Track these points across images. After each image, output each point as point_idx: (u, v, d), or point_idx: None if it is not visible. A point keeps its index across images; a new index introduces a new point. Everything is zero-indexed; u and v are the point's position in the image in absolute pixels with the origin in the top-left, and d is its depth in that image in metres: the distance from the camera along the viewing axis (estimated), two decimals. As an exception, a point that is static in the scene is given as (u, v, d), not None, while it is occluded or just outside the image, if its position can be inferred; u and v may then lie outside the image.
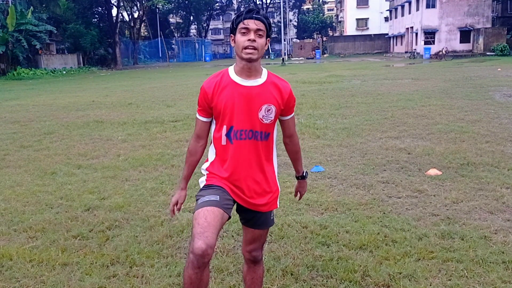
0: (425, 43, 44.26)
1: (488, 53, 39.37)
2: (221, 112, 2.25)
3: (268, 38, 2.25)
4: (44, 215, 4.39)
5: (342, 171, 5.63)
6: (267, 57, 56.55)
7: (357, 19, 69.90)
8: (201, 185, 2.36)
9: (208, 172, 2.36)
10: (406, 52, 48.38)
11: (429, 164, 5.77)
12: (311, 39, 70.93)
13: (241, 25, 2.18)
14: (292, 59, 55.33)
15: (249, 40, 2.16)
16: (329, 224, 3.94)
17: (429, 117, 9.11)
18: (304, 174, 2.61)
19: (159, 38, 57.01)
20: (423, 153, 6.29)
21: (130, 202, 4.69)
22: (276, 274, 3.13)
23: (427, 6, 44.59)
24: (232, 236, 3.79)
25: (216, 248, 3.45)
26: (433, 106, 10.53)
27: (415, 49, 45.53)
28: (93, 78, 30.01)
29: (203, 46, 62.89)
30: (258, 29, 2.18)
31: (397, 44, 56.56)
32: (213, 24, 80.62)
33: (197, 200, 2.28)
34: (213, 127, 2.36)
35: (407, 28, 50.23)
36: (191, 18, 69.62)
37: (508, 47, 38.29)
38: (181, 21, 71.82)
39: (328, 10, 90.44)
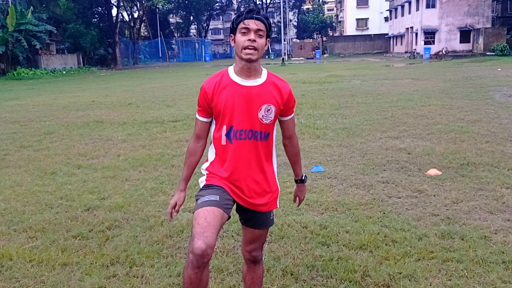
0: (425, 43, 44.26)
1: (488, 53, 39.37)
2: (221, 112, 2.25)
3: (268, 39, 2.25)
4: (44, 215, 4.39)
5: (342, 171, 5.63)
6: (267, 57, 56.54)
7: (357, 19, 69.89)
8: (201, 185, 2.36)
9: (208, 172, 2.36)
10: (406, 52, 48.38)
11: (429, 164, 5.77)
12: (311, 39, 70.93)
13: (241, 25, 2.18)
14: (292, 59, 55.32)
15: (249, 40, 2.16)
16: (329, 224, 3.94)
17: (429, 117, 9.11)
18: (303, 178, 2.59)
19: (159, 38, 57.01)
20: (423, 153, 6.29)
21: (130, 202, 4.69)
22: (276, 274, 3.13)
23: (427, 6, 44.59)
24: (232, 236, 3.79)
25: (216, 248, 3.45)
26: (433, 106, 10.53)
27: (415, 49, 45.53)
28: (93, 78, 30.01)
29: (203, 46, 62.89)
30: (259, 29, 2.18)
31: (397, 44, 56.57)
32: (213, 24, 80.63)
33: (197, 200, 2.28)
34: (213, 127, 2.36)
35: (407, 28, 50.23)
36: (191, 18, 69.62)
37: (508, 47, 38.28)
38: (181, 21, 71.82)
39: (328, 10, 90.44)
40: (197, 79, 23.37)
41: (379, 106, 10.88)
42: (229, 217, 2.28)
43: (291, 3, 76.04)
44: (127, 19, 58.61)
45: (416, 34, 46.33)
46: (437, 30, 44.36)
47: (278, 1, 66.81)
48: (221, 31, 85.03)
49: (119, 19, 50.37)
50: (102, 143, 7.91)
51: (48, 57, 39.65)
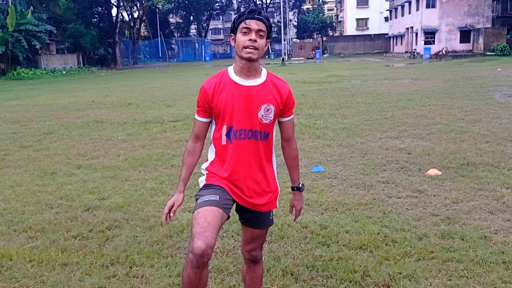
0: (425, 43, 44.26)
1: (488, 53, 39.37)
2: (221, 112, 2.25)
3: (268, 39, 2.26)
4: (44, 215, 4.39)
5: (342, 171, 5.63)
6: (267, 57, 56.54)
7: (357, 19, 69.90)
8: (201, 185, 2.36)
9: (207, 172, 2.36)
10: (406, 52, 48.38)
11: (429, 164, 5.77)
12: (311, 39, 70.94)
13: (242, 25, 2.18)
14: (292, 59, 55.32)
15: (250, 40, 2.16)
16: (329, 224, 3.94)
17: (429, 117, 9.11)
18: (300, 185, 2.51)
19: (159, 38, 57.01)
20: (423, 153, 6.29)
21: (130, 202, 4.69)
22: (276, 274, 3.13)
23: (427, 6, 44.59)
24: (232, 236, 3.79)
25: (216, 248, 3.45)
26: (433, 106, 10.53)
27: (415, 49, 45.53)
28: (93, 78, 30.01)
29: (203, 46, 62.89)
30: (259, 30, 2.18)
31: (397, 44, 56.57)
32: (213, 24, 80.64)
33: (196, 199, 2.28)
34: (212, 127, 2.36)
35: (407, 28, 50.23)
36: (191, 18, 69.62)
37: (508, 47, 38.28)
38: (181, 21, 71.82)
39: (328, 10, 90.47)
40: (197, 79, 23.37)
41: (379, 106, 10.88)
42: (229, 217, 2.28)
43: (291, 3, 76.04)
44: (127, 19, 58.63)
45: (416, 34, 46.34)
46: (437, 30, 44.36)
47: (278, 1, 66.82)
48: (221, 31, 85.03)
49: (119, 19, 50.38)
50: (102, 143, 7.91)
51: (48, 57, 39.66)
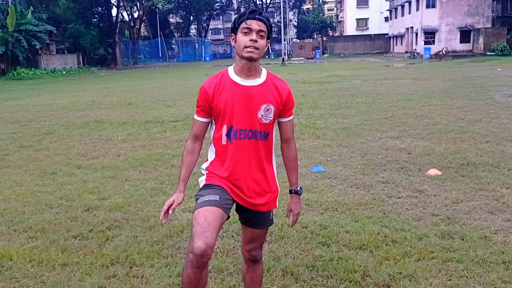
0: (425, 43, 44.26)
1: (488, 53, 39.37)
2: (221, 112, 2.26)
3: (268, 40, 2.26)
4: (44, 215, 4.39)
5: (342, 171, 5.63)
6: (267, 57, 56.54)
7: (357, 19, 69.91)
8: (201, 185, 2.36)
9: (207, 172, 2.36)
10: (406, 52, 48.38)
11: (429, 164, 5.77)
12: (311, 39, 70.94)
13: (243, 25, 2.19)
14: (292, 59, 55.32)
15: (251, 40, 2.17)
16: (329, 224, 3.94)
17: (429, 117, 9.11)
18: (298, 189, 2.46)
19: (159, 38, 57.00)
20: (423, 153, 6.29)
21: (130, 202, 4.69)
22: (276, 274, 3.13)
23: (427, 6, 44.59)
24: (232, 236, 3.79)
25: (216, 248, 3.45)
26: (433, 106, 10.53)
27: (415, 49, 45.53)
28: (93, 78, 30.01)
29: (203, 46, 62.88)
30: (260, 30, 2.19)
31: (397, 44, 56.57)
32: (213, 24, 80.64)
33: (196, 199, 2.28)
34: (213, 127, 2.36)
35: (407, 28, 50.23)
36: (191, 18, 69.62)
37: (508, 47, 38.28)
38: (181, 21, 71.82)
39: (328, 10, 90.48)
40: (197, 79, 23.37)
41: (379, 106, 10.88)
42: (229, 217, 2.28)
43: (291, 3, 76.04)
44: (127, 19, 58.62)
45: (416, 34, 46.33)
46: (437, 30, 44.36)
47: (278, 1, 66.81)
48: (221, 31, 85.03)
49: (119, 19, 50.38)
50: (102, 143, 7.91)
51: (48, 57, 39.65)
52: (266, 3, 74.00)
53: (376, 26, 68.18)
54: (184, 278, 2.12)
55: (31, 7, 35.38)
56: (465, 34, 44.13)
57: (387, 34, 61.35)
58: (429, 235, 3.66)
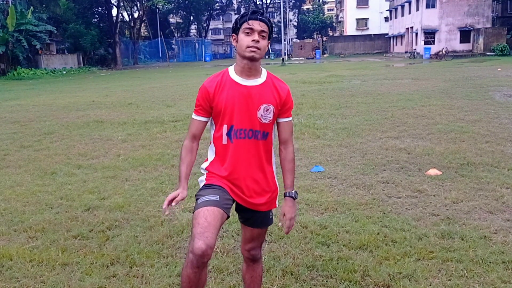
0: (425, 43, 44.26)
1: (488, 53, 39.37)
2: (222, 111, 2.26)
3: (269, 40, 2.27)
4: (44, 215, 4.39)
5: (342, 171, 5.63)
6: (267, 57, 56.52)
7: (357, 19, 69.90)
8: (201, 185, 2.36)
9: (207, 172, 2.37)
10: (406, 52, 48.38)
11: (429, 164, 5.77)
12: (311, 39, 70.93)
13: (245, 25, 2.20)
14: (292, 59, 55.32)
15: (253, 40, 2.18)
16: (329, 224, 3.94)
17: (429, 117, 9.11)
18: (293, 192, 2.38)
19: (159, 38, 57.00)
20: (423, 153, 6.29)
21: (130, 202, 4.69)
22: (276, 274, 3.13)
23: (427, 6, 44.59)
24: (232, 236, 3.79)
25: (216, 248, 3.45)
26: (433, 106, 10.53)
27: (415, 49, 45.53)
28: (93, 78, 30.01)
29: (203, 46, 62.87)
30: (262, 31, 2.20)
31: (397, 44, 56.56)
32: (213, 24, 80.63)
33: (196, 199, 2.28)
34: (213, 127, 2.37)
35: (407, 28, 50.23)
36: (191, 18, 69.61)
37: (508, 47, 38.28)
38: (181, 21, 71.82)
39: (328, 10, 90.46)
40: (197, 79, 23.37)
41: (379, 106, 10.88)
42: (228, 217, 2.28)
43: (291, 3, 76.03)
44: (127, 19, 58.61)
45: (416, 34, 46.33)
46: (437, 30, 44.35)
47: (278, 1, 66.80)
48: (221, 31, 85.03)
49: (119, 19, 50.38)
50: (102, 143, 7.91)
51: (48, 57, 39.65)
52: (266, 3, 73.98)
53: (376, 26, 68.18)
54: (183, 278, 2.12)
55: (31, 7, 35.38)
56: (465, 34, 44.13)
57: (387, 34, 61.35)
58: (429, 235, 3.66)
